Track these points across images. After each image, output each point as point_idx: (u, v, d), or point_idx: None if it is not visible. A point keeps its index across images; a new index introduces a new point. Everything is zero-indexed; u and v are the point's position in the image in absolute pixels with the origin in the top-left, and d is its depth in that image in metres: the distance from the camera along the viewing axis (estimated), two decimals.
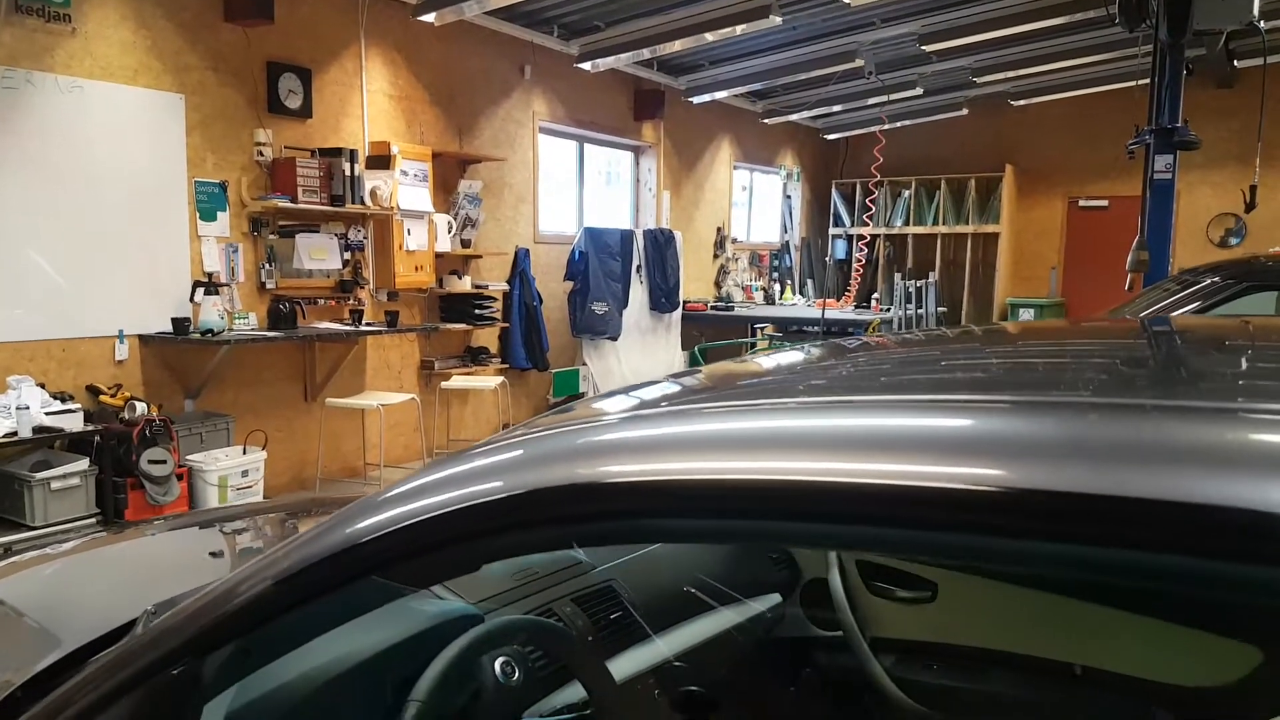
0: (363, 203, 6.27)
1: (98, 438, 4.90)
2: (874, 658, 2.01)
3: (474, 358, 7.65)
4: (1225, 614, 1.66)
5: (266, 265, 6.03)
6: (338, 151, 6.18)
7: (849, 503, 0.61)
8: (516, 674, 1.42)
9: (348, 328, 6.31)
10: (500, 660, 1.42)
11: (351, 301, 6.53)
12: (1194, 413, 0.57)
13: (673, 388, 1.06)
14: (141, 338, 5.47)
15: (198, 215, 5.69)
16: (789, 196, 12.59)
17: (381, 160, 6.53)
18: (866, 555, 1.87)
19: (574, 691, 1.43)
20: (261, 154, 5.95)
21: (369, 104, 6.67)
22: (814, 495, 0.63)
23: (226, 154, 5.84)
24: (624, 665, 1.62)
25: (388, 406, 6.28)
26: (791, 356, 1.38)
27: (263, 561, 0.92)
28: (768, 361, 1.51)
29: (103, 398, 5.14)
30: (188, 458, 5.28)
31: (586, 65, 8.21)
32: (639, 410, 0.82)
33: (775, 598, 2.03)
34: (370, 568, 0.85)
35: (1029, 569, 0.62)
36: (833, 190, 12.94)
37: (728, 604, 1.92)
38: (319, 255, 6.26)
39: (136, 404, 5.05)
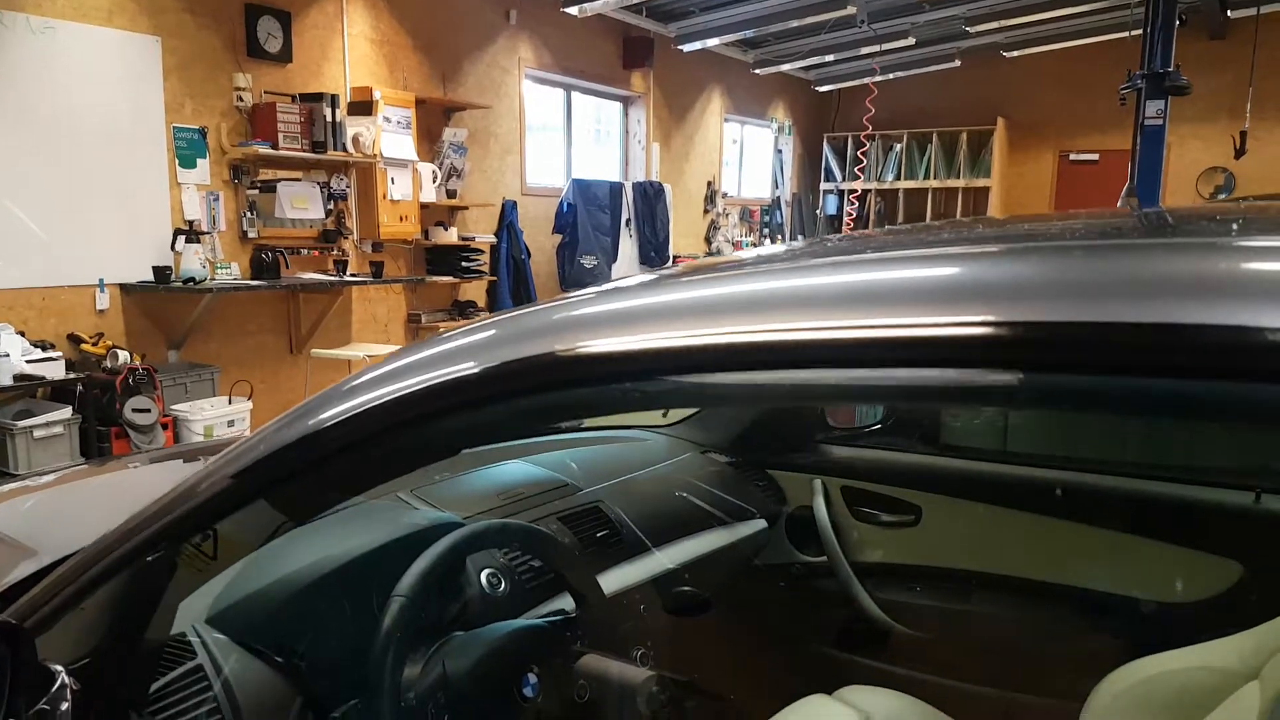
0: (345, 150, 6.17)
1: (80, 386, 4.86)
2: (857, 581, 2.03)
3: (461, 311, 7.60)
4: (1207, 530, 1.68)
5: (248, 214, 5.95)
6: (319, 97, 6.06)
7: (834, 350, 0.60)
8: (503, 585, 1.42)
9: (331, 278, 6.24)
10: (486, 571, 1.42)
11: (335, 252, 6.46)
12: (1174, 248, 0.55)
13: (646, 276, 1.04)
14: (123, 287, 5.40)
15: (177, 162, 5.59)
16: (780, 150, 12.48)
17: (363, 106, 6.42)
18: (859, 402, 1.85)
19: (562, 604, 1.43)
20: (241, 99, 5.84)
21: (350, 48, 6.54)
22: (798, 348, 0.61)
23: (205, 99, 5.72)
24: (611, 581, 1.62)
25: (374, 358, 6.23)
26: (771, 248, 1.36)
27: (232, 451, 0.91)
28: (747, 252, 1.49)
29: (84, 346, 5.09)
30: (172, 407, 5.25)
31: (574, 10, 8.06)
32: (612, 290, 0.80)
33: (761, 523, 2.04)
34: (340, 448, 0.84)
35: (1021, 404, 0.62)
36: (824, 144, 12.84)
37: (714, 528, 1.93)
38: (301, 204, 6.18)
39: (119, 353, 5.00)
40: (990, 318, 0.54)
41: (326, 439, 0.84)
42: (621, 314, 0.72)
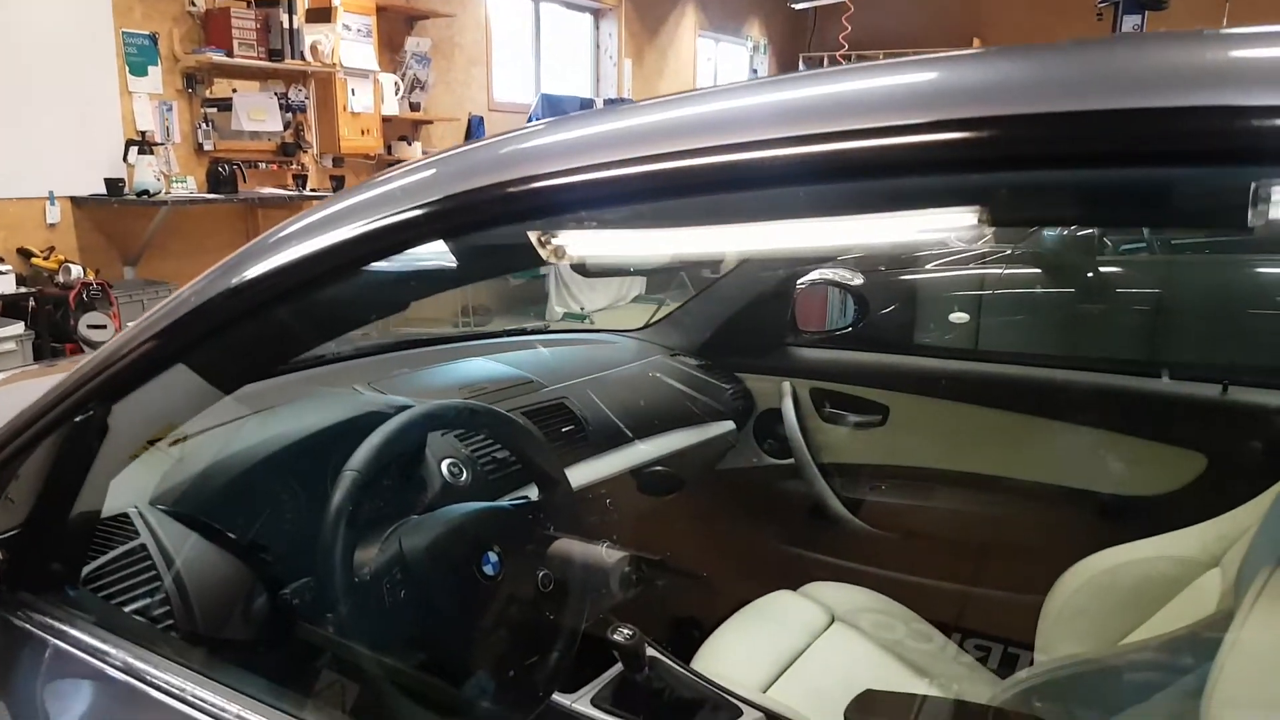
0: (303, 58, 5.93)
1: (32, 302, 4.71)
2: (824, 481, 2.02)
3: None
4: (1174, 424, 1.68)
5: (204, 126, 5.72)
6: (275, 2, 5.79)
7: (808, 161, 0.55)
8: (465, 475, 1.39)
9: (291, 193, 6.06)
10: (448, 461, 1.38)
11: (294, 166, 6.26)
12: (1157, 39, 0.51)
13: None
14: (74, 200, 5.20)
15: (127, 70, 5.34)
16: (755, 70, 12.23)
17: (322, 13, 6.15)
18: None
19: (527, 495, 1.40)
20: (194, 4, 5.56)
21: None
22: (773, 162, 0.56)
23: (155, 2, 5.45)
24: (576, 476, 1.59)
25: None
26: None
27: (159, 309, 0.85)
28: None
29: (35, 260, 4.92)
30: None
31: None
32: (562, 120, 0.74)
33: (729, 425, 2.02)
34: (266, 302, 0.78)
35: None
36: (800, 64, 12.59)
37: (682, 427, 1.91)
38: (258, 116, 5.95)
39: (71, 267, 4.84)
40: (964, 114, 0.49)
41: (251, 293, 0.78)
42: (574, 142, 0.66)
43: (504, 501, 1.22)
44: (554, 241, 1.01)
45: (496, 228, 0.68)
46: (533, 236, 1.02)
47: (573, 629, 1.23)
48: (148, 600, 1.01)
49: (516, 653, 1.18)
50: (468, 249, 0.74)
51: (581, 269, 1.58)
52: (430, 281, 0.78)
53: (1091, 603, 1.51)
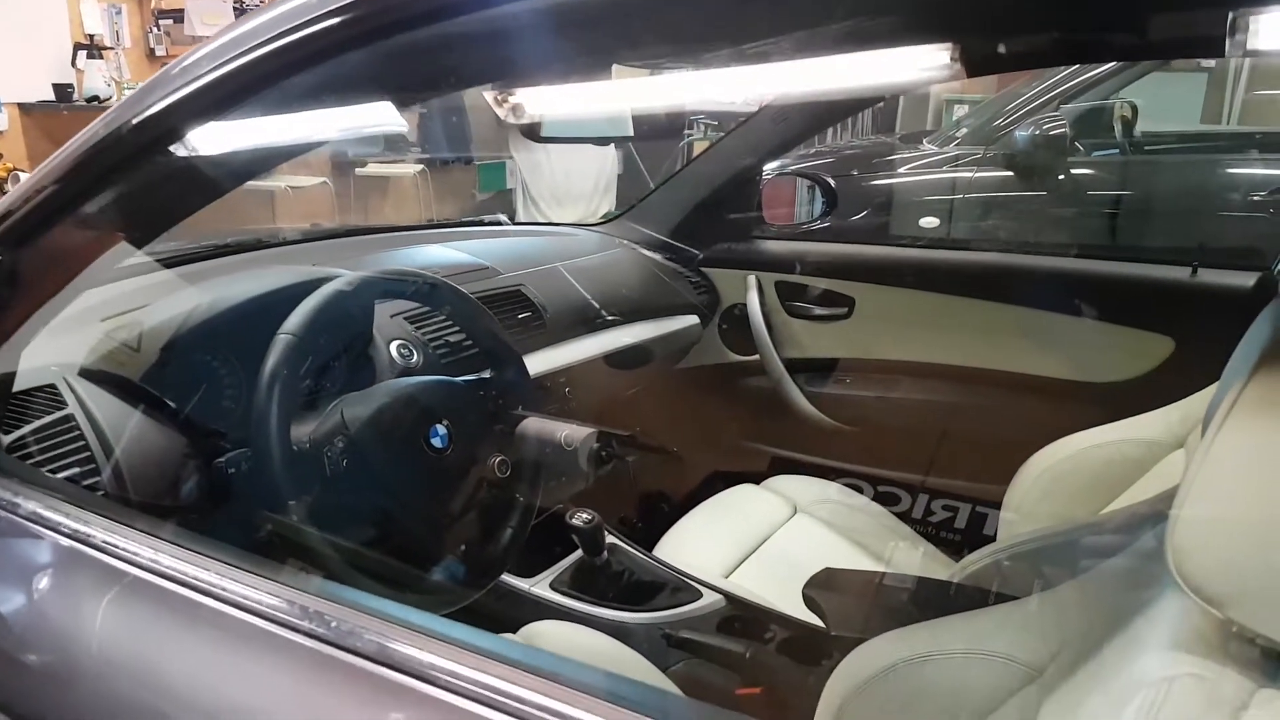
0: None
1: None
2: (789, 376, 2.00)
3: (392, 145, 7.22)
4: (1142, 307, 1.66)
5: (155, 30, 5.47)
6: None
7: None
8: (415, 357, 1.34)
9: None
10: (396, 343, 1.33)
11: None
12: None
13: None
14: (21, 106, 4.98)
15: None
16: None
17: None
18: None
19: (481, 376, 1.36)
20: None
21: None
22: None
23: None
24: (534, 365, 1.55)
25: (298, 190, 5.94)
26: None
27: (64, 149, 0.78)
28: None
29: None
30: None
31: None
32: None
33: (692, 319, 1.98)
34: (185, 127, 0.72)
35: None
36: None
37: (645, 320, 1.86)
38: (212, 20, 5.69)
39: (20, 174, 4.66)
40: None
41: (161, 125, 0.72)
42: None
43: (455, 378, 1.18)
44: (511, 99, 0.95)
45: (412, 29, 0.62)
46: (489, 97, 0.95)
47: (527, 506, 1.21)
48: (76, 470, 0.96)
49: (467, 529, 1.15)
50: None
51: (534, 133, 1.53)
52: (345, 82, 0.71)
53: (1054, 488, 1.50)
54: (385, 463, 1.04)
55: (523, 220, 6.97)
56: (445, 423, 1.09)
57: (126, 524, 0.79)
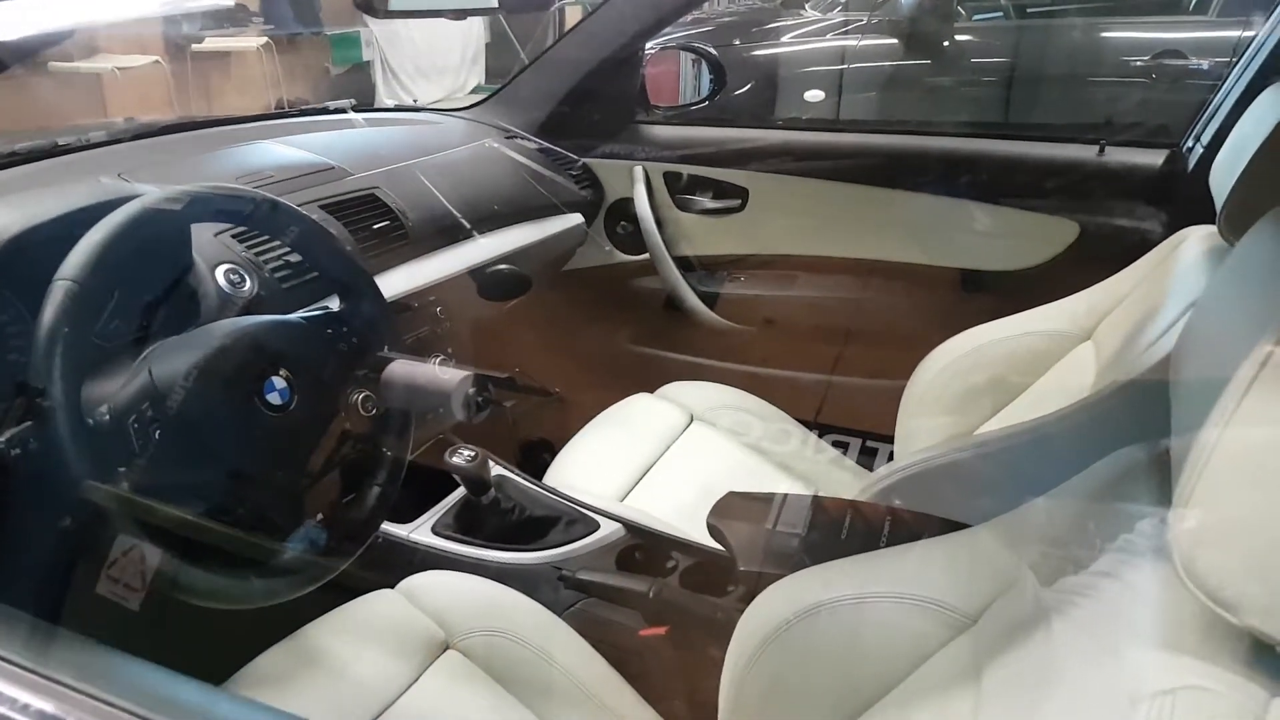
0: None
1: None
2: (680, 275, 1.87)
3: (231, 18, 6.49)
4: (1046, 190, 1.58)
5: None
6: None
7: None
8: (248, 284, 1.13)
9: None
10: (224, 268, 1.12)
11: None
12: None
13: None
14: None
15: None
16: None
17: None
18: None
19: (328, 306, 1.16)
20: None
21: None
22: None
23: None
24: (396, 282, 1.36)
25: (126, 72, 5.28)
26: None
27: None
28: None
29: None
30: None
31: None
32: None
33: (576, 218, 1.80)
34: None
35: None
36: None
37: (522, 223, 1.68)
38: None
39: None
40: None
41: None
42: None
43: (294, 315, 0.99)
44: None
45: None
46: None
47: (396, 460, 1.05)
48: None
49: (325, 493, 0.99)
50: None
51: (376, 6, 1.29)
52: None
53: (954, 384, 1.45)
54: (209, 429, 0.85)
55: (384, 100, 6.47)
56: (284, 373, 0.91)
57: None
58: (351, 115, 1.69)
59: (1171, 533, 0.44)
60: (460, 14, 1.66)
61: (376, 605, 1.13)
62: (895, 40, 2.82)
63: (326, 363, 0.98)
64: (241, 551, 0.89)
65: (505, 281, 1.56)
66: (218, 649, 1.02)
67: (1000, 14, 3.02)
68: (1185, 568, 0.44)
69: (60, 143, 1.28)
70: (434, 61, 6.56)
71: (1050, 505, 0.85)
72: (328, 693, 1.03)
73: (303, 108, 1.72)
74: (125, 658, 0.57)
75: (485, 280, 1.53)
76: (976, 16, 3.06)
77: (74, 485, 0.76)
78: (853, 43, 2.93)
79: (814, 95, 3.00)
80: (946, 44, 2.77)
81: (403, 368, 1.02)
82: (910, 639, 0.86)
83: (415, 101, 6.46)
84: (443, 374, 1.01)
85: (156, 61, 5.68)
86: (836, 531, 1.11)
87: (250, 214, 0.97)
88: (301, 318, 0.98)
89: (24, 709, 0.46)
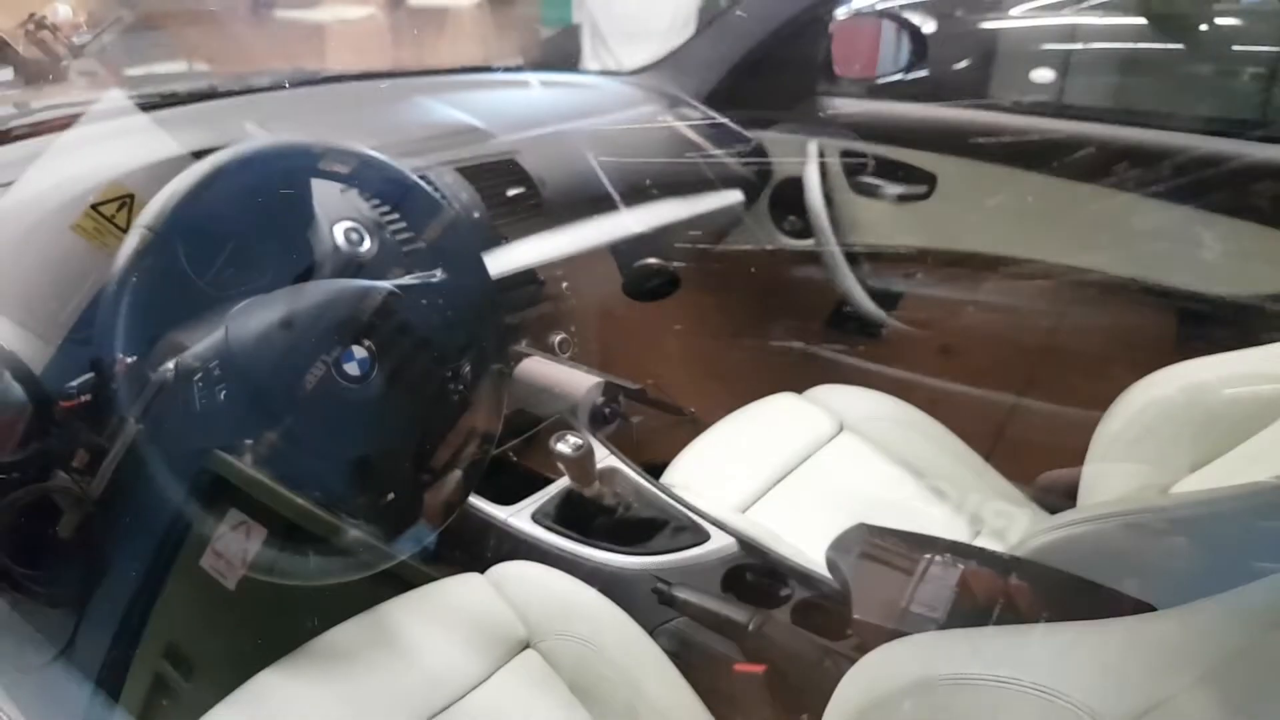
0: None
1: None
2: (848, 266, 1.69)
3: None
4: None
5: None
6: None
7: None
8: (367, 243, 1.09)
9: None
10: (345, 225, 1.08)
11: None
12: None
13: None
14: None
15: None
16: None
17: None
18: None
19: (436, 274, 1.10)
20: None
21: None
22: None
23: None
24: (523, 253, 1.29)
25: (345, 22, 5.59)
26: None
27: None
28: None
29: None
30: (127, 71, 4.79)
31: None
32: None
33: (736, 195, 1.66)
34: None
35: None
36: None
37: (674, 197, 1.56)
38: None
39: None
40: None
41: None
42: None
43: (388, 283, 0.93)
44: None
45: None
46: None
47: (483, 444, 0.98)
48: None
49: (402, 469, 0.93)
50: None
51: None
52: None
53: (1158, 425, 1.21)
54: (277, 396, 0.81)
55: (588, 63, 6.51)
56: (366, 343, 0.85)
57: None
58: (522, 76, 1.64)
59: None
60: None
61: (461, 589, 1.08)
62: (1143, 19, 2.46)
63: (416, 336, 0.92)
64: (301, 526, 0.84)
65: (652, 280, 1.45)
66: (295, 616, 1.00)
67: None
68: None
69: (220, 87, 1.30)
70: (643, 24, 6.51)
71: (1242, 603, 0.65)
72: (396, 675, 0.99)
73: (471, 66, 1.69)
74: None
75: (631, 277, 1.44)
76: None
77: (125, 434, 0.73)
78: (1093, 20, 2.58)
79: (1043, 75, 2.67)
80: (1204, 27, 2.37)
81: (535, 366, 0.96)
82: None
83: (620, 65, 6.46)
84: (574, 379, 0.94)
85: (373, 14, 5.98)
86: (983, 619, 0.94)
87: (349, 174, 0.92)
88: (396, 286, 0.92)
89: None
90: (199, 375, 0.78)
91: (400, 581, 1.04)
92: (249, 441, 0.80)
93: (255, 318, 0.83)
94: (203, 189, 0.79)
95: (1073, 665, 0.73)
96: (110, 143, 1.01)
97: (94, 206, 0.88)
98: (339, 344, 0.84)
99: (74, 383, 0.75)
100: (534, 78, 1.69)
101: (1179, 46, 2.47)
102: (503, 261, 1.20)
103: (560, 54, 7.09)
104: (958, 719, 0.76)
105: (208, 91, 1.29)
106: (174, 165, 0.91)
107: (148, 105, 1.24)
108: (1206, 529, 0.90)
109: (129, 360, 0.73)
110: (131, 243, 0.75)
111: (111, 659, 0.92)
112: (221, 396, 0.79)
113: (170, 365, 0.78)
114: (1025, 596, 0.94)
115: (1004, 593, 0.91)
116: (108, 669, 0.92)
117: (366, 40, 6.33)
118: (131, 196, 0.90)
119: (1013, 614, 0.88)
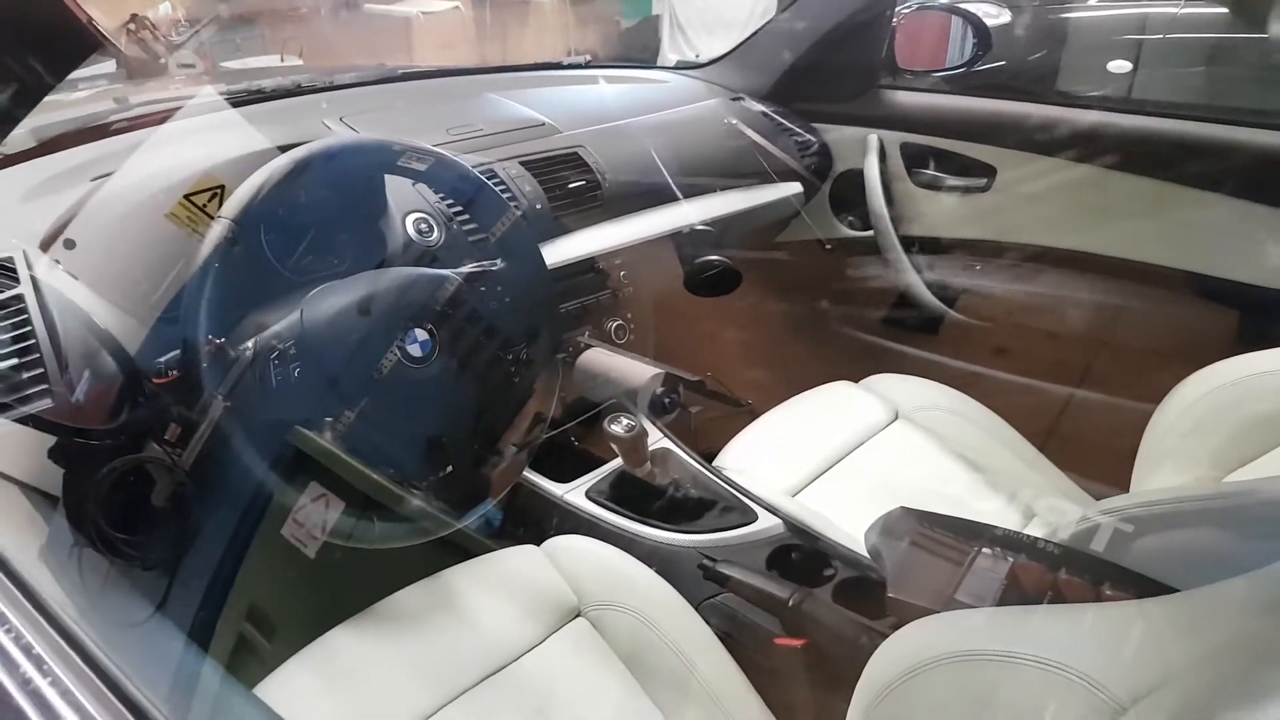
0: None
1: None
2: (907, 257, 1.70)
3: None
4: None
5: None
6: None
7: None
8: (435, 233, 1.16)
9: None
10: (414, 216, 1.16)
11: None
12: None
13: None
14: None
15: None
16: None
17: None
18: None
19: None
20: None
21: None
22: None
23: None
24: (584, 243, 1.35)
25: (430, 16, 5.74)
26: None
27: None
28: None
29: None
30: (223, 64, 5.01)
31: None
32: None
33: (795, 187, 1.69)
34: None
35: None
36: None
37: (735, 189, 1.60)
38: None
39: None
40: None
41: None
42: None
43: (451, 270, 1.00)
44: None
45: None
46: None
47: (537, 423, 1.04)
48: (15, 361, 0.87)
49: (461, 445, 1.00)
50: None
51: None
52: None
53: (1210, 419, 1.20)
54: (346, 375, 0.89)
55: (667, 55, 6.52)
56: (429, 326, 0.92)
57: None
58: (589, 72, 1.70)
59: None
60: None
61: (518, 560, 1.14)
62: (1224, 9, 2.37)
63: (475, 320, 0.98)
64: (367, 494, 0.92)
65: (714, 276, 1.48)
66: (364, 581, 1.08)
67: None
68: None
69: (302, 83, 1.39)
70: (721, 16, 6.48)
71: (1256, 585, 0.67)
72: (456, 636, 1.06)
73: (541, 63, 1.75)
74: None
75: (693, 272, 1.48)
76: None
77: (209, 408, 0.82)
78: (1171, 9, 2.51)
79: (1119, 66, 2.61)
80: None
81: (597, 356, 1.02)
82: (1049, 714, 0.72)
83: (698, 56, 6.44)
84: (635, 369, 1.00)
85: (457, 7, 6.10)
86: (1013, 580, 0.96)
87: (424, 172, 0.99)
88: (458, 274, 0.99)
89: None
90: (275, 354, 0.86)
91: (462, 551, 1.11)
92: (324, 418, 0.87)
93: (328, 301, 0.90)
94: (284, 183, 0.87)
95: (1086, 643, 0.76)
96: (203, 136, 1.10)
97: (187, 196, 0.97)
98: (405, 327, 0.91)
99: (163, 359, 0.84)
100: (602, 74, 1.75)
101: (1262, 36, 2.38)
102: (564, 250, 1.26)
103: (639, 45, 7.12)
104: (974, 693, 0.80)
105: (292, 89, 1.38)
106: (261, 157, 0.99)
107: (238, 101, 1.34)
108: (1251, 517, 0.91)
109: (215, 340, 0.82)
110: (215, 232, 0.84)
111: (201, 618, 1.00)
112: (295, 374, 0.87)
113: (249, 345, 0.86)
114: (1071, 589, 0.96)
115: (1050, 585, 0.94)
116: (197, 626, 1.01)
117: (451, 33, 6.48)
118: (222, 187, 0.99)
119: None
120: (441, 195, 1.17)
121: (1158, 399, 1.26)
